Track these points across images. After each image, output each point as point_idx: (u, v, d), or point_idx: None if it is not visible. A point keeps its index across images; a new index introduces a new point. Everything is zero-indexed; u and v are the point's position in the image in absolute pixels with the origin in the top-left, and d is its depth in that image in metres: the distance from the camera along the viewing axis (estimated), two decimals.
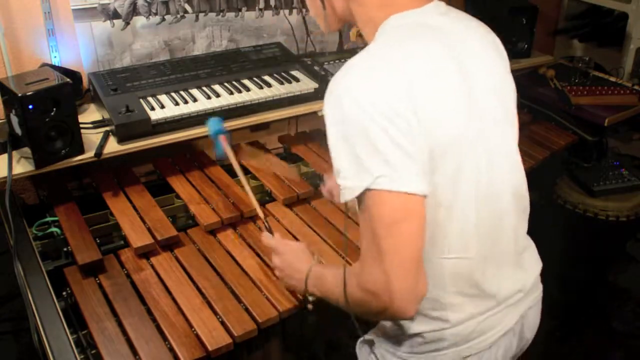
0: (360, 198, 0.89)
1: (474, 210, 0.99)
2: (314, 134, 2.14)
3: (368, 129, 0.85)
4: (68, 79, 1.47)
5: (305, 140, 2.07)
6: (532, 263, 1.17)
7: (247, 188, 1.46)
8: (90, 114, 1.74)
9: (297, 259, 1.20)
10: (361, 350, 1.18)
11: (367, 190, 0.86)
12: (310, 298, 1.15)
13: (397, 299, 0.88)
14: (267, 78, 1.90)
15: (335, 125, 0.89)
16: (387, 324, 1.09)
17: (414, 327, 1.04)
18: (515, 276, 1.10)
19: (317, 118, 1.94)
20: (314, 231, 1.62)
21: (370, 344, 1.14)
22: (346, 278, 0.97)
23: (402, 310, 0.90)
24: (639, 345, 2.27)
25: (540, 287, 1.19)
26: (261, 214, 1.40)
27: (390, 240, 0.87)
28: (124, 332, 1.25)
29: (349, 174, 0.88)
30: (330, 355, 2.01)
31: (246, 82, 1.86)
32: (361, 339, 1.15)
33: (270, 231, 1.32)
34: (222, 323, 1.29)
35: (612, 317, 2.40)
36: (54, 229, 1.53)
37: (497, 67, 1.06)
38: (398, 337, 1.08)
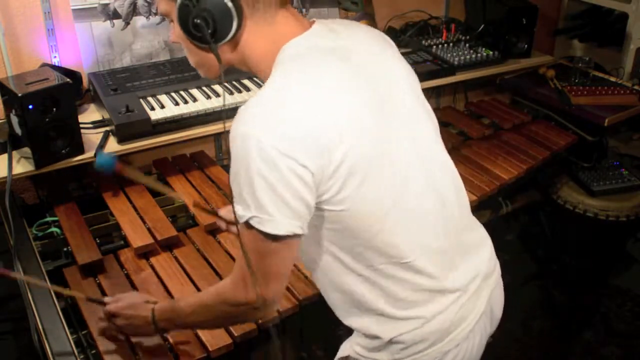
0: (246, 226, 0.94)
1: (411, 212, 1.02)
2: None
3: (250, 173, 0.89)
4: (68, 79, 1.47)
5: None
6: (483, 244, 1.19)
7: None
8: (90, 114, 1.74)
9: (135, 313, 1.17)
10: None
11: (247, 222, 0.93)
12: (166, 335, 1.21)
13: (268, 308, 1.02)
14: None
15: (232, 156, 0.92)
16: (364, 339, 1.10)
17: (386, 333, 1.06)
18: (468, 263, 1.12)
19: None
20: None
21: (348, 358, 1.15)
22: (209, 299, 1.07)
23: (267, 315, 1.13)
24: (639, 345, 2.27)
25: (496, 265, 1.21)
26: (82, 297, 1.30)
27: (267, 265, 0.96)
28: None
29: (237, 201, 0.93)
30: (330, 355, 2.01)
31: (246, 82, 1.86)
32: (338, 356, 1.17)
33: (100, 302, 1.25)
34: None
35: (612, 317, 2.40)
36: (54, 229, 1.53)
37: (395, 61, 1.09)
38: (378, 348, 1.09)
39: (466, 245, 1.13)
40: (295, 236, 0.94)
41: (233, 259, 1.49)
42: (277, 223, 0.91)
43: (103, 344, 1.21)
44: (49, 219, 1.58)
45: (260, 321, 1.25)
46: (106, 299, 1.24)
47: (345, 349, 1.15)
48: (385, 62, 1.07)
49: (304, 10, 2.16)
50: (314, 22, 1.03)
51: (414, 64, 2.08)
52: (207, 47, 1.01)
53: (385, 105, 1.00)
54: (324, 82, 0.95)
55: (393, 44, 1.14)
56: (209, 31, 0.97)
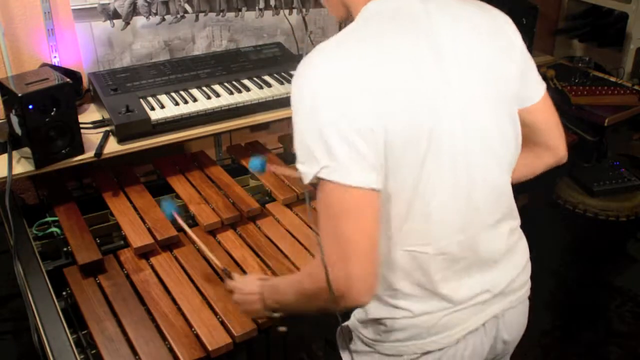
0: (316, 186, 0.89)
1: (437, 206, 0.97)
2: None
3: (318, 119, 0.86)
4: (68, 79, 1.47)
5: None
6: (514, 263, 1.13)
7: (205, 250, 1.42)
8: (90, 114, 1.74)
9: (246, 286, 1.20)
10: (339, 337, 1.18)
11: (317, 178, 0.87)
12: (275, 314, 1.15)
13: (353, 286, 0.89)
14: (267, 78, 1.90)
15: (294, 108, 0.90)
16: (360, 312, 1.08)
17: (373, 311, 1.04)
18: (482, 276, 1.07)
19: None
20: (314, 231, 1.62)
21: (347, 330, 1.15)
22: (301, 277, 1.01)
23: (358, 298, 0.90)
24: (639, 345, 2.28)
25: (525, 288, 1.15)
26: (219, 264, 1.37)
27: (344, 230, 0.87)
28: (124, 332, 1.25)
29: (302, 159, 0.90)
30: (330, 355, 2.01)
31: (246, 82, 1.87)
32: (340, 326, 1.15)
33: (229, 276, 1.31)
34: (222, 323, 1.29)
35: (612, 317, 2.40)
36: (54, 229, 1.53)
37: (489, 54, 1.01)
38: (365, 323, 1.08)
39: (486, 258, 1.07)
40: (372, 192, 0.87)
41: (233, 259, 1.49)
42: (350, 172, 0.86)
43: (103, 344, 1.21)
44: (49, 219, 1.58)
45: (355, 307, 1.09)
46: (234, 275, 1.27)
47: (345, 323, 1.14)
48: (477, 55, 0.99)
49: (304, 10, 2.16)
50: None
51: None
52: None
53: (445, 101, 0.94)
54: (393, 46, 0.91)
55: (512, 37, 1.06)
56: None
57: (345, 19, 1.05)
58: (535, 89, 1.11)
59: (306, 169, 0.88)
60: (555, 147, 1.18)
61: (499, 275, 1.09)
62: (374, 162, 0.88)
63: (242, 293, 1.20)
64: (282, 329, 1.19)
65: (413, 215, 0.97)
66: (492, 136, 1.00)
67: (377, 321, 1.05)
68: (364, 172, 0.87)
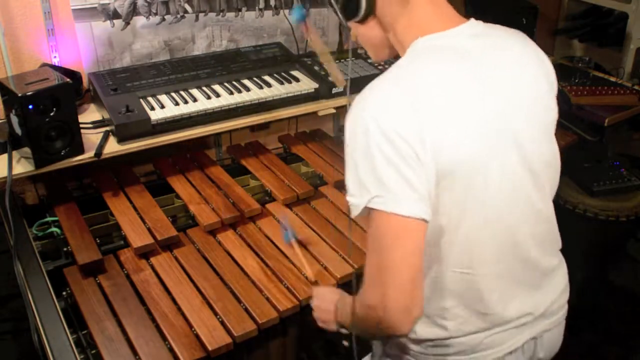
0: (366, 216, 0.93)
1: (483, 229, 1.00)
2: (314, 134, 2.14)
3: (371, 151, 0.89)
4: (68, 79, 1.47)
5: (305, 140, 2.07)
6: (554, 286, 1.15)
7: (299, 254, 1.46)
8: (90, 114, 1.74)
9: (323, 301, 1.20)
10: (375, 344, 1.23)
11: (367, 208, 0.90)
12: (343, 330, 1.15)
13: (390, 315, 0.91)
14: (267, 78, 1.90)
15: (348, 141, 0.93)
16: None
17: (421, 332, 1.08)
18: (526, 298, 1.10)
19: (317, 118, 1.95)
20: (314, 231, 1.62)
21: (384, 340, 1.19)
22: (354, 300, 1.00)
23: (395, 326, 0.92)
24: (639, 345, 2.27)
25: (563, 310, 1.18)
26: (311, 276, 1.42)
27: (386, 258, 0.90)
28: (124, 332, 1.25)
29: (353, 192, 0.93)
30: (330, 355, 2.01)
31: (246, 82, 1.87)
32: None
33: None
34: (222, 323, 1.29)
35: (612, 317, 2.40)
36: (54, 229, 1.53)
37: (533, 86, 1.06)
38: (411, 338, 1.11)
39: (531, 281, 1.10)
40: (420, 222, 0.90)
41: (233, 259, 1.49)
42: (400, 201, 0.88)
43: (103, 344, 1.21)
44: (49, 219, 1.58)
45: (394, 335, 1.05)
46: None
47: None
48: (521, 91, 1.03)
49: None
50: (465, 20, 1.03)
51: None
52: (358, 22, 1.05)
53: (490, 133, 0.98)
54: (444, 79, 0.95)
55: (551, 75, 1.12)
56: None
57: (388, 58, 1.10)
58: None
59: (357, 201, 0.91)
60: None
61: (540, 298, 1.12)
62: (424, 192, 0.90)
63: (321, 304, 1.20)
64: (346, 343, 1.17)
65: (465, 239, 0.99)
66: (539, 167, 1.05)
67: (423, 339, 1.08)
68: (414, 202, 0.89)
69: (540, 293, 1.12)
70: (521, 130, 1.01)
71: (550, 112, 1.11)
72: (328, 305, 1.17)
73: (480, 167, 0.96)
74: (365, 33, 1.08)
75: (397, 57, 1.04)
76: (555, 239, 1.15)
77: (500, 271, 1.05)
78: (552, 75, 1.12)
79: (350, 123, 0.93)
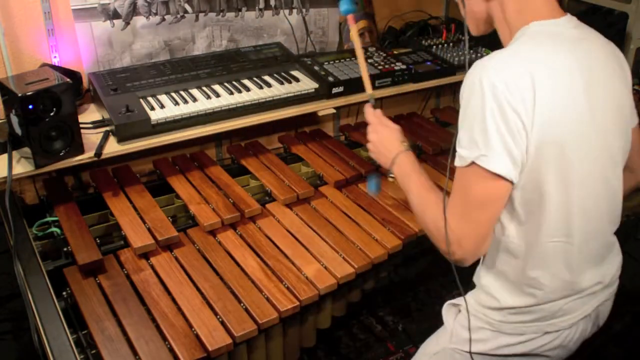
0: (467, 168, 1.05)
1: (578, 201, 1.10)
2: (314, 134, 2.14)
3: (484, 115, 1.01)
4: (68, 79, 1.47)
5: (305, 140, 2.07)
6: (615, 259, 1.29)
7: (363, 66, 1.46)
8: (90, 114, 1.74)
9: (387, 141, 1.32)
10: (449, 312, 1.31)
11: (472, 163, 1.03)
12: (391, 176, 1.33)
13: (462, 252, 1.06)
14: (267, 78, 1.90)
15: (465, 102, 1.05)
16: (484, 295, 1.22)
17: (509, 301, 1.18)
18: (598, 269, 1.22)
19: (317, 118, 1.95)
20: (314, 231, 1.62)
21: (459, 307, 1.29)
22: (428, 208, 1.14)
23: (461, 261, 1.08)
24: (639, 345, 2.27)
25: (617, 282, 1.31)
26: (369, 90, 1.43)
27: (475, 209, 1.05)
28: (124, 332, 1.25)
29: (464, 145, 1.05)
30: (330, 355, 2.01)
31: (246, 82, 1.87)
32: (449, 302, 1.31)
33: (374, 106, 1.41)
34: (222, 323, 1.29)
35: (612, 317, 2.40)
36: (54, 229, 1.53)
37: (619, 84, 1.16)
38: (492, 308, 1.21)
39: (603, 253, 1.23)
40: (510, 184, 1.03)
41: (233, 259, 1.49)
42: (500, 162, 1.01)
43: (103, 344, 1.21)
44: (49, 219, 1.58)
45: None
46: (377, 112, 1.37)
47: (458, 300, 1.28)
48: (611, 83, 1.14)
49: (304, 10, 2.16)
50: (565, 14, 1.13)
51: (414, 64, 2.08)
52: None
53: (589, 115, 1.08)
54: (557, 62, 1.05)
55: (628, 72, 1.20)
56: None
57: (481, 34, 1.23)
58: (635, 114, 1.24)
59: (466, 153, 1.04)
60: (637, 169, 1.31)
61: (607, 269, 1.25)
62: (520, 160, 1.03)
63: (378, 143, 1.33)
64: (392, 178, 1.35)
65: (563, 210, 1.10)
66: (617, 152, 1.17)
67: (507, 307, 1.19)
68: (511, 166, 1.02)
69: (606, 264, 1.25)
70: (610, 120, 1.12)
71: (630, 108, 1.20)
72: (386, 150, 1.30)
73: (577, 145, 1.06)
74: (472, 8, 1.19)
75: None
76: (618, 217, 1.26)
77: (586, 242, 1.15)
78: (628, 72, 1.21)
79: (468, 86, 1.05)
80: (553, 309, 1.18)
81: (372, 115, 1.37)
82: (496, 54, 1.06)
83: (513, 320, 1.19)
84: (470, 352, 1.23)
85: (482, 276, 1.23)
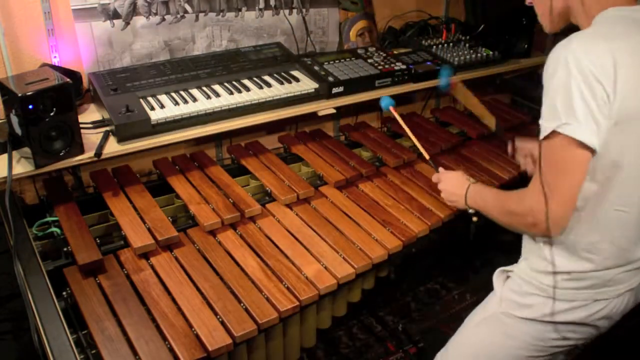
0: (549, 139, 1.11)
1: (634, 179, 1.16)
2: (314, 134, 2.14)
3: (569, 85, 1.07)
4: (68, 79, 1.47)
5: (305, 140, 2.07)
6: None
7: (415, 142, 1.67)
8: (90, 114, 1.74)
9: (456, 184, 1.47)
10: (498, 278, 1.38)
11: (554, 132, 1.09)
12: (471, 211, 1.43)
13: (549, 222, 1.12)
14: (267, 78, 1.90)
15: (549, 76, 1.11)
16: (537, 260, 1.27)
17: (565, 265, 1.23)
18: None
19: (317, 118, 1.95)
20: (314, 231, 1.62)
21: (510, 274, 1.35)
22: (509, 197, 1.23)
23: (549, 232, 1.15)
24: (639, 345, 2.27)
25: None
26: (426, 156, 1.64)
27: (560, 178, 1.11)
28: (124, 332, 1.25)
29: (546, 116, 1.11)
30: (330, 355, 2.01)
31: (246, 82, 1.87)
32: (501, 269, 1.37)
33: (435, 169, 1.60)
34: (222, 323, 1.29)
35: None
36: (54, 229, 1.53)
37: None
38: (546, 272, 1.25)
39: None
40: (591, 153, 1.09)
41: (233, 259, 1.49)
42: (584, 131, 1.07)
43: (103, 344, 1.21)
44: (49, 219, 1.58)
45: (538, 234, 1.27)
46: (440, 169, 1.57)
47: (508, 267, 1.35)
48: None
49: (304, 10, 2.16)
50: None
51: (413, 64, 2.08)
52: None
53: None
54: (631, 40, 1.11)
55: None
56: None
57: (555, 31, 1.28)
58: None
59: (548, 124, 1.10)
60: None
61: None
62: (602, 130, 1.09)
63: (449, 186, 1.49)
64: (475, 218, 1.43)
65: (631, 180, 1.16)
66: None
67: (560, 272, 1.23)
68: (593, 134, 1.08)
69: None
70: None
71: None
72: (457, 189, 1.45)
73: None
74: (552, 3, 1.23)
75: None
76: None
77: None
78: None
79: (554, 59, 1.10)
80: (606, 277, 1.22)
81: (436, 176, 1.55)
82: (576, 35, 1.12)
83: (566, 286, 1.24)
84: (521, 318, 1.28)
85: (537, 240, 1.27)
